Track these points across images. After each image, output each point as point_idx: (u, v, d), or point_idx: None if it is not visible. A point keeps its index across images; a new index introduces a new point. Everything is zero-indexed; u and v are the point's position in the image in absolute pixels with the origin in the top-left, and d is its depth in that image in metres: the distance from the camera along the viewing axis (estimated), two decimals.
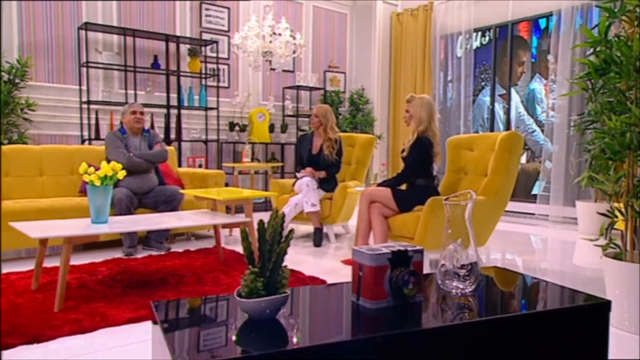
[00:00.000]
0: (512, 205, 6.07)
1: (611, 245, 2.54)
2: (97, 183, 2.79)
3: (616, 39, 2.39)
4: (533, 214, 5.91)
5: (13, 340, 2.15)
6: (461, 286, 1.58)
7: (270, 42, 5.16)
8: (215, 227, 3.77)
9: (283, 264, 1.29)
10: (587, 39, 2.51)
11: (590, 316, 1.48)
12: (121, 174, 2.93)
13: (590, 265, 3.93)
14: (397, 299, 1.40)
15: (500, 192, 3.47)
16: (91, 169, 2.88)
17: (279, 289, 1.29)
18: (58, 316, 2.46)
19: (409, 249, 1.44)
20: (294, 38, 5.26)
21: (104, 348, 2.12)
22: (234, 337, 1.26)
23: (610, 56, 2.39)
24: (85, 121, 5.48)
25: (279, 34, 5.20)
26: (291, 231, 1.31)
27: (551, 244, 4.90)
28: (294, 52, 5.32)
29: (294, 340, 1.23)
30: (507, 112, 6.48)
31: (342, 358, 1.15)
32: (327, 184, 4.59)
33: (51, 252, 3.62)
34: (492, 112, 6.63)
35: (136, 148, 4.16)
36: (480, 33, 6.76)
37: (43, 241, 2.92)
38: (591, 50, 2.52)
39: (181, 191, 3.96)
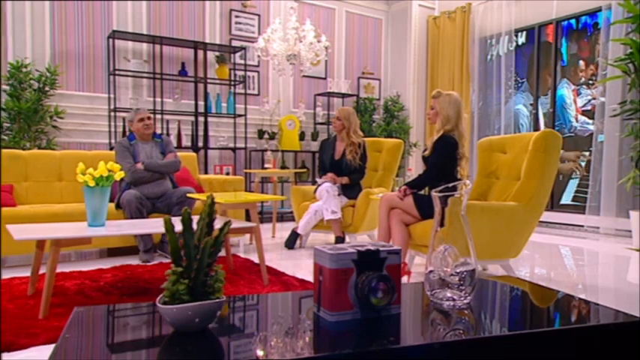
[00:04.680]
0: (557, 217, 5.60)
1: None
2: (92, 184, 2.66)
3: None
4: (582, 225, 5.38)
5: None
6: (454, 297, 1.30)
7: (294, 45, 4.99)
8: None
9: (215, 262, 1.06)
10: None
11: (620, 337, 1.16)
12: (119, 175, 2.79)
13: None
14: (364, 310, 1.14)
15: (534, 197, 3.09)
16: (90, 169, 2.76)
17: (210, 294, 1.05)
18: (41, 323, 2.32)
19: (382, 249, 1.17)
20: (319, 41, 5.06)
21: None
22: (151, 352, 1.03)
23: None
24: (113, 129, 5.49)
25: (304, 37, 5.02)
26: (227, 223, 1.08)
27: (601, 259, 4.42)
28: (318, 54, 5.11)
29: (225, 357, 0.99)
30: (552, 116, 6.01)
31: None
32: (351, 190, 4.32)
33: (61, 259, 3.52)
34: (536, 116, 6.17)
35: (147, 155, 4.03)
36: (509, 36, 6.34)
37: (40, 246, 2.82)
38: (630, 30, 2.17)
39: (188, 195, 3.80)
